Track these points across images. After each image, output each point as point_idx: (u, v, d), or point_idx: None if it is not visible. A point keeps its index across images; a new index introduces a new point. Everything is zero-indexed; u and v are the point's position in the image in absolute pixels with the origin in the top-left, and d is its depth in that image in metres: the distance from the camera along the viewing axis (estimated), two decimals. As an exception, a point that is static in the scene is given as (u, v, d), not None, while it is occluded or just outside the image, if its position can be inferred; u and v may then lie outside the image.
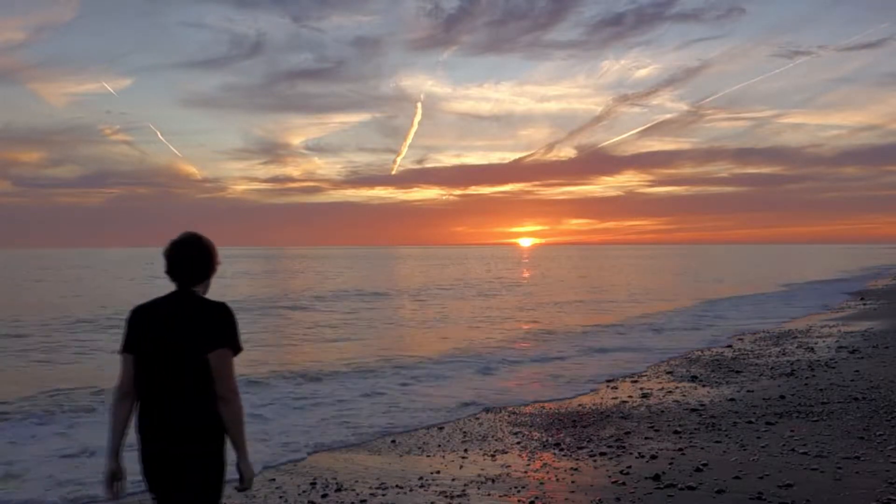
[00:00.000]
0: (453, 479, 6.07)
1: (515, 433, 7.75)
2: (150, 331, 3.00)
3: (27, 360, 13.57)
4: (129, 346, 3.04)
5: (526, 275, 55.13)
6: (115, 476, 3.07)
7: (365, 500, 5.56)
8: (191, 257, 3.11)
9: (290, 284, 41.85)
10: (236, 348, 3.03)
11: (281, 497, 5.75)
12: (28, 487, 6.06)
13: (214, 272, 3.20)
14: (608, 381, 11.06)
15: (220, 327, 3.00)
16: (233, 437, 3.02)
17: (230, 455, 3.02)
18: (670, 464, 6.24)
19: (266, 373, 11.56)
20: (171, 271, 3.10)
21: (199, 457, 2.96)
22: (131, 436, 3.01)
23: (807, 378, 10.42)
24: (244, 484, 3.07)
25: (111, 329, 17.58)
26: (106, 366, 12.34)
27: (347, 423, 8.36)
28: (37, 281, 45.33)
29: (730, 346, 14.59)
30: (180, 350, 2.95)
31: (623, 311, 23.66)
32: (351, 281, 44.66)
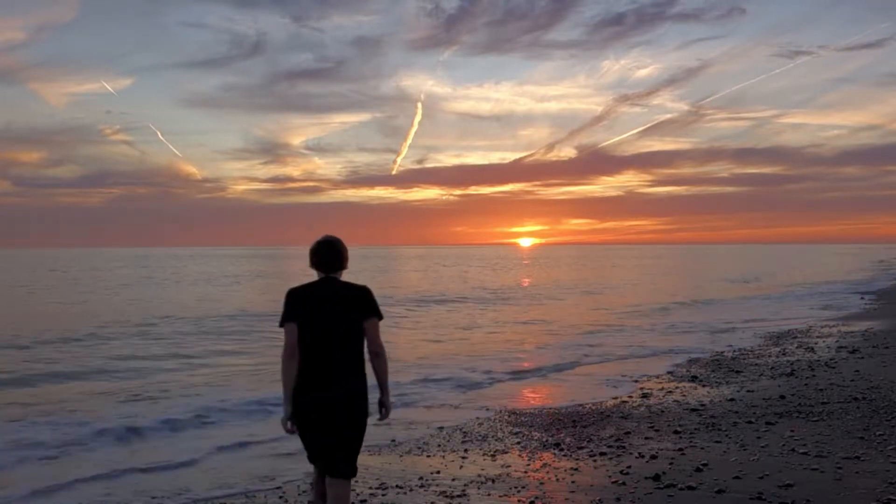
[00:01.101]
0: (453, 479, 6.06)
1: (515, 433, 7.74)
2: (308, 306, 4.00)
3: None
4: (292, 317, 3.98)
5: (561, 277, 54.41)
6: (290, 417, 3.98)
7: (365, 500, 5.55)
8: (337, 252, 4.15)
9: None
10: (381, 316, 4.10)
11: (281, 497, 5.75)
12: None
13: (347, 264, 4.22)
14: (608, 381, 11.06)
15: (370, 302, 4.06)
16: (382, 381, 4.10)
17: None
18: (670, 464, 6.24)
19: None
20: (320, 263, 4.13)
21: (354, 400, 3.97)
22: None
23: (807, 378, 10.41)
24: (385, 416, 4.16)
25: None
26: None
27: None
28: (123, 285, 42.23)
29: (730, 346, 14.60)
30: (338, 320, 3.98)
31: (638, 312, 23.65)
32: (409, 283, 42.61)
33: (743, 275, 49.66)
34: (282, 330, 4.01)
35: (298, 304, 4.02)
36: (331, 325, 3.98)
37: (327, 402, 3.92)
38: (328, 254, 4.13)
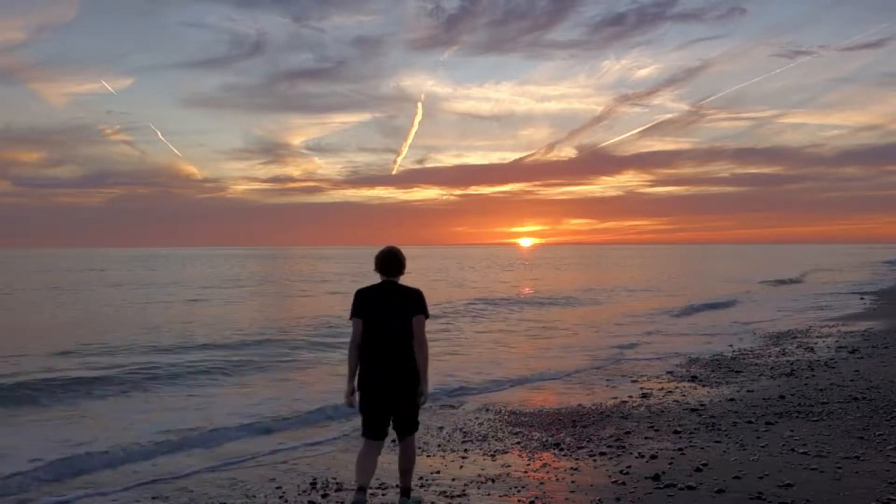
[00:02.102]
0: (453, 479, 6.07)
1: (515, 433, 7.75)
2: (372, 304, 4.93)
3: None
4: (357, 314, 4.95)
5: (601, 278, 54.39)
6: (352, 393, 4.95)
7: (365, 500, 5.55)
8: (397, 261, 5.06)
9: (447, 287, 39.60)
10: (427, 315, 5.02)
11: (281, 497, 5.75)
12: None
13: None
14: (608, 381, 11.06)
15: (420, 303, 4.98)
16: (423, 369, 4.95)
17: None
18: (670, 464, 6.24)
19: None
20: (383, 269, 5.05)
21: (407, 380, 4.91)
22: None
23: (807, 378, 10.42)
24: (423, 402, 5.01)
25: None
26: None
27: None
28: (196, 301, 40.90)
29: (730, 346, 14.59)
30: (394, 316, 4.90)
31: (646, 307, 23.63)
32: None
33: (778, 274, 49.18)
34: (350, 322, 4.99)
35: (363, 303, 4.96)
36: (388, 321, 4.90)
37: (388, 384, 4.87)
38: (390, 262, 5.05)
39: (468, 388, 10.63)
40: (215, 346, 15.33)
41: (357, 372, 4.95)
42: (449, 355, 13.92)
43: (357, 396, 4.96)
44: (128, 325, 19.89)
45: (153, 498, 5.85)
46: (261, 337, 16.94)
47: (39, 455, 6.81)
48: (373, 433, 4.99)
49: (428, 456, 6.89)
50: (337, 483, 6.05)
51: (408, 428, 5.08)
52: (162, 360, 13.20)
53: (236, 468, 6.71)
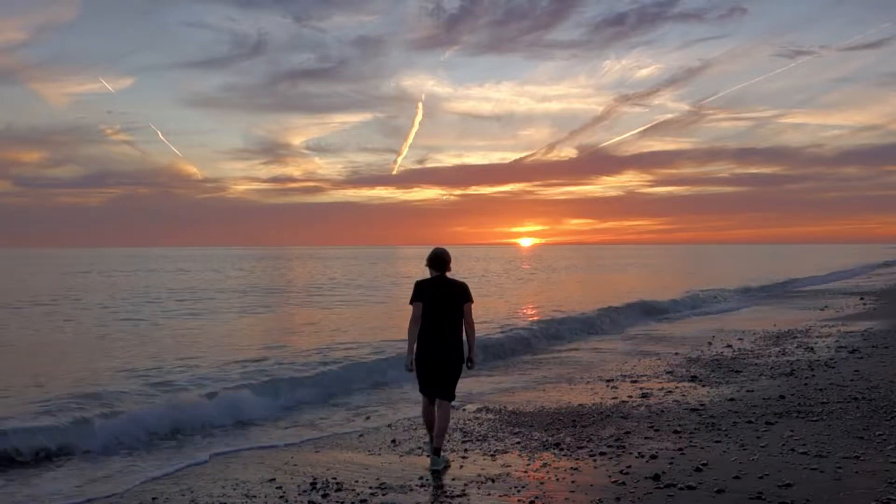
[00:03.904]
0: (453, 479, 6.07)
1: (515, 433, 7.75)
2: (429, 292, 6.33)
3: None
4: (418, 298, 6.33)
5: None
6: (411, 361, 6.34)
7: (365, 500, 5.56)
8: (445, 260, 6.47)
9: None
10: (472, 301, 6.48)
11: (281, 497, 5.75)
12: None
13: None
14: (608, 381, 11.06)
15: (467, 293, 6.45)
16: (471, 343, 6.41)
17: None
18: (670, 464, 6.25)
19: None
20: (435, 266, 6.44)
21: (455, 352, 6.34)
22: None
23: (806, 378, 10.42)
24: (472, 366, 6.44)
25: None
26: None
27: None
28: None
29: (730, 346, 14.59)
30: (446, 302, 6.31)
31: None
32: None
33: (751, 273, 49.35)
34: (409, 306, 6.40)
35: (423, 291, 6.35)
36: (441, 306, 6.29)
37: (440, 353, 6.28)
38: (440, 260, 6.45)
39: (469, 388, 10.63)
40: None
41: (415, 346, 6.32)
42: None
43: (414, 364, 6.33)
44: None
45: (153, 499, 5.85)
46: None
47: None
48: (426, 392, 6.45)
49: (428, 456, 6.89)
50: (337, 483, 6.04)
51: (447, 394, 6.38)
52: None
53: (237, 467, 6.72)
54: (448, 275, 6.48)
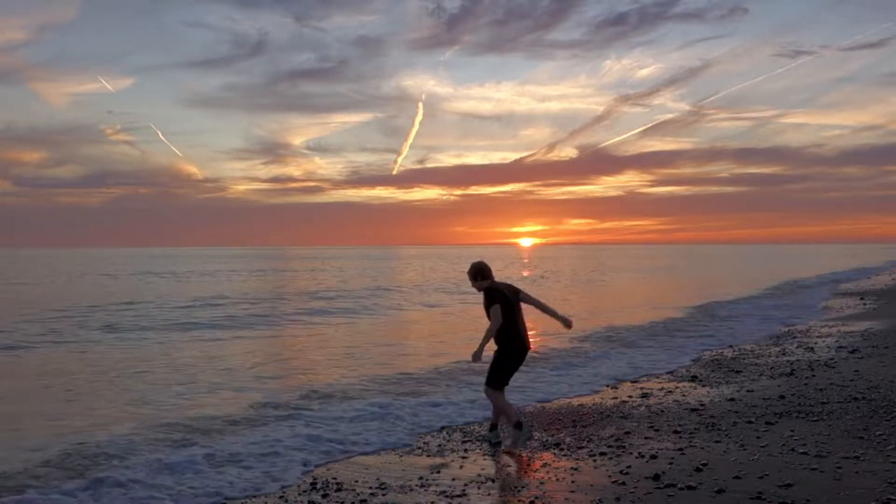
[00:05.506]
0: (453, 479, 6.07)
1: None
2: (503, 295, 7.18)
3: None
4: (499, 300, 7.10)
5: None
6: (479, 355, 7.03)
7: (365, 500, 5.56)
8: (490, 268, 7.45)
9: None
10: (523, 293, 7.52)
11: (281, 497, 5.76)
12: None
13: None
14: (608, 381, 11.06)
15: (520, 291, 7.42)
16: (551, 311, 7.42)
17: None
18: (670, 464, 6.25)
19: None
20: (489, 275, 7.35)
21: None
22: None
23: (806, 378, 10.42)
24: (569, 325, 7.55)
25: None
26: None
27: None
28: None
29: (730, 346, 14.60)
30: (513, 299, 7.23)
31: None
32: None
33: (753, 274, 49.09)
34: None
35: (499, 294, 7.18)
36: (512, 303, 7.20)
37: (522, 345, 7.19)
38: (489, 270, 7.39)
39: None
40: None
41: (505, 340, 7.15)
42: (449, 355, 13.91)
43: (500, 357, 7.17)
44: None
45: (152, 498, 5.84)
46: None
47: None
48: (506, 382, 7.28)
49: (428, 456, 6.90)
50: (337, 483, 6.05)
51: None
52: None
53: (237, 466, 6.70)
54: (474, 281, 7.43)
